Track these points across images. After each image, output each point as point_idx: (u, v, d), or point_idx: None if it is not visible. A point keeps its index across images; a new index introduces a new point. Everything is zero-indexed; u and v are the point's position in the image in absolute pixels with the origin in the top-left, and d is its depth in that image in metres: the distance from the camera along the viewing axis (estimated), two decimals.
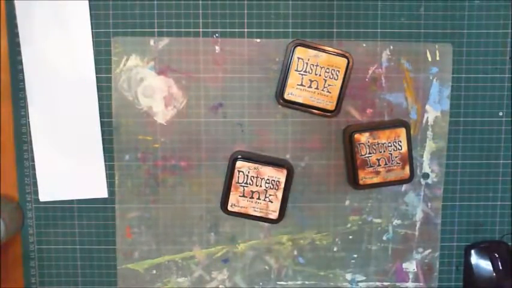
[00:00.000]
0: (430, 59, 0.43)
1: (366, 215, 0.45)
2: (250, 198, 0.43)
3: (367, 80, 0.44)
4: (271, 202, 0.43)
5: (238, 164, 0.42)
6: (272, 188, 0.43)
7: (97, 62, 0.43)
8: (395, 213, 0.45)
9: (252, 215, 0.43)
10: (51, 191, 0.44)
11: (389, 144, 0.42)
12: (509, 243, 0.46)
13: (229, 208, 0.43)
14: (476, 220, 0.46)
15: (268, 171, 0.42)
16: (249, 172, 0.42)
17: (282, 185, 0.43)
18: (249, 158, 0.43)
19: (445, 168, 0.45)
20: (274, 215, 0.43)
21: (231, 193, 0.43)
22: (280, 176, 0.42)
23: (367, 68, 0.43)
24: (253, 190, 0.43)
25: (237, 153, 0.43)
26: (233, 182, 0.43)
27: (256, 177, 0.43)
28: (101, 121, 0.44)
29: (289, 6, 0.43)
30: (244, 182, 0.43)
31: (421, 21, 0.43)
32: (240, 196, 0.43)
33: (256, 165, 0.42)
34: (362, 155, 0.42)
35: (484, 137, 0.45)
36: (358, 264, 0.46)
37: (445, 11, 0.43)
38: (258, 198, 0.43)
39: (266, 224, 0.45)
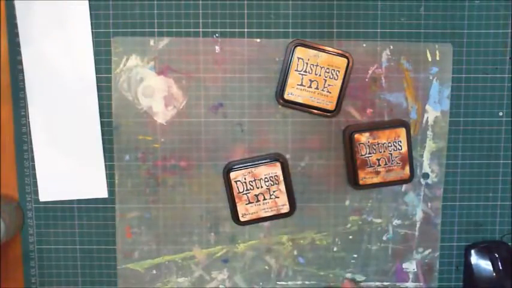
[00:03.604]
0: (430, 59, 0.43)
1: (366, 215, 0.45)
2: (256, 202, 0.43)
3: (367, 80, 0.44)
4: (278, 197, 0.43)
5: (232, 175, 0.42)
6: (273, 184, 0.43)
7: (97, 62, 0.43)
8: (395, 213, 0.45)
9: (266, 217, 0.43)
10: (51, 191, 0.44)
11: (389, 144, 0.42)
12: (509, 243, 0.46)
13: (242, 219, 0.43)
14: (476, 220, 0.46)
15: (263, 170, 0.42)
16: (245, 178, 0.42)
17: (281, 178, 0.43)
18: (240, 165, 0.43)
19: (445, 168, 0.45)
20: (286, 208, 0.43)
21: (237, 205, 0.43)
22: (276, 170, 0.42)
23: (367, 68, 0.43)
24: (256, 193, 0.43)
25: (228, 165, 0.43)
26: (235, 194, 0.43)
27: (254, 180, 0.42)
28: (101, 121, 0.44)
29: (289, 6, 0.43)
30: (245, 189, 0.43)
31: (421, 21, 0.43)
32: (246, 204, 0.43)
33: (249, 170, 0.42)
34: (362, 155, 0.42)
35: (484, 137, 0.45)
36: (358, 264, 0.46)
37: (445, 11, 0.43)
38: (264, 199, 0.43)
39: (266, 224, 0.45)
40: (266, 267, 0.46)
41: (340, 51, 0.42)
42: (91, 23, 0.42)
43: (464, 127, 0.44)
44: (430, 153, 0.45)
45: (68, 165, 0.44)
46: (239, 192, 0.43)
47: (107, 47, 0.43)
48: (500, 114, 0.44)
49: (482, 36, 0.43)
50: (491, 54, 0.44)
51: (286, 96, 0.42)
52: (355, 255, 0.46)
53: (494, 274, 0.45)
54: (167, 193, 0.45)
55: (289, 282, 0.46)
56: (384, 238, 0.46)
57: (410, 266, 0.46)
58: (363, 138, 0.42)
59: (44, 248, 0.45)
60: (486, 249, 0.45)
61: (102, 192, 0.44)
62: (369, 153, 0.42)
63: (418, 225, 0.46)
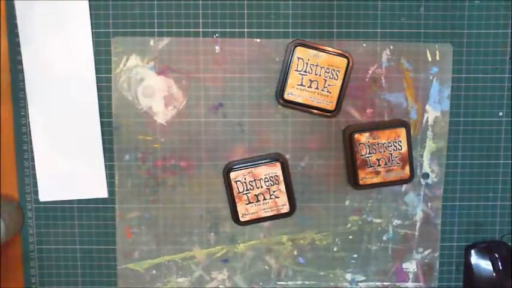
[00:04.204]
0: (430, 59, 0.43)
1: (366, 215, 0.45)
2: (256, 202, 0.43)
3: (367, 80, 0.44)
4: (278, 197, 0.43)
5: (232, 175, 0.42)
6: (273, 184, 0.43)
7: (97, 62, 0.43)
8: (395, 213, 0.45)
9: (266, 217, 0.43)
10: (51, 191, 0.44)
11: (389, 144, 0.42)
12: (509, 243, 0.46)
13: (242, 219, 0.43)
14: (476, 220, 0.46)
15: (263, 170, 0.42)
16: (245, 179, 0.42)
17: (281, 178, 0.43)
18: (240, 165, 0.43)
19: (445, 168, 0.45)
20: (285, 208, 0.43)
21: (237, 205, 0.43)
22: (276, 170, 0.42)
23: (367, 68, 0.43)
24: (256, 193, 0.43)
25: (228, 165, 0.43)
26: (235, 194, 0.43)
27: (254, 180, 0.42)
28: (101, 121, 0.44)
29: (289, 6, 0.43)
30: (245, 189, 0.43)
31: (421, 21, 0.43)
32: (246, 204, 0.43)
33: (249, 170, 0.42)
34: (362, 155, 0.42)
35: (484, 137, 0.45)
36: (358, 264, 0.46)
37: (445, 11, 0.43)
38: (264, 199, 0.43)
39: (266, 224, 0.45)
40: (266, 267, 0.46)
41: (340, 51, 0.42)
42: (91, 23, 0.42)
43: (464, 127, 0.44)
44: (430, 153, 0.45)
45: (68, 165, 0.44)
46: (239, 192, 0.43)
47: (107, 47, 0.43)
48: (500, 114, 0.44)
49: (482, 36, 0.43)
50: (491, 54, 0.44)
51: (286, 96, 0.42)
52: (355, 255, 0.46)
53: (494, 274, 0.45)
54: (167, 193, 0.45)
55: (289, 282, 0.46)
56: (384, 238, 0.46)
57: (410, 266, 0.46)
58: (363, 138, 0.42)
59: (44, 248, 0.45)
60: (486, 249, 0.45)
61: (102, 192, 0.44)
62: (369, 153, 0.42)
63: (418, 225, 0.46)
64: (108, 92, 0.43)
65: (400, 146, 0.42)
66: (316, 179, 0.45)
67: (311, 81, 0.42)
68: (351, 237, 0.46)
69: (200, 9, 0.43)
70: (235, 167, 0.43)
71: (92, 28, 0.43)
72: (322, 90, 0.42)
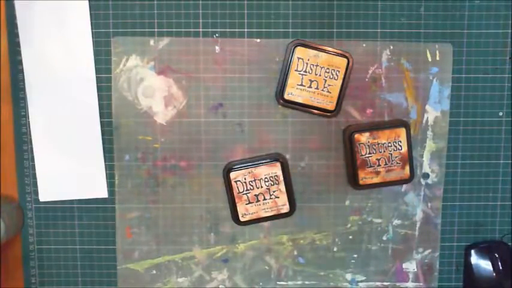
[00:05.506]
0: (430, 59, 0.43)
1: (366, 215, 0.45)
2: (256, 202, 0.43)
3: (367, 80, 0.44)
4: (278, 197, 0.43)
5: (232, 175, 0.42)
6: (273, 184, 0.43)
7: (97, 62, 0.43)
8: (395, 213, 0.45)
9: (266, 217, 0.43)
10: (51, 191, 0.44)
11: (389, 144, 0.42)
12: (509, 243, 0.46)
13: (242, 219, 0.43)
14: (476, 220, 0.46)
15: (263, 170, 0.42)
16: (245, 179, 0.42)
17: (281, 178, 0.43)
18: (240, 165, 0.43)
19: (445, 168, 0.45)
20: (286, 208, 0.43)
21: (237, 205, 0.43)
22: (276, 170, 0.42)
23: (367, 68, 0.43)
24: (256, 193, 0.43)
25: (228, 165, 0.43)
26: (235, 194, 0.43)
27: (254, 180, 0.42)
28: (101, 121, 0.44)
29: (289, 6, 0.43)
30: (245, 189, 0.43)
31: (421, 21, 0.43)
32: (246, 204, 0.43)
33: (249, 170, 0.42)
34: (362, 155, 0.42)
35: (484, 137, 0.45)
36: (358, 264, 0.46)
37: (445, 11, 0.43)
38: (264, 199, 0.43)
39: (266, 224, 0.45)
40: (266, 267, 0.46)
41: (340, 51, 0.42)
42: (91, 23, 0.42)
43: (464, 127, 0.44)
44: (430, 153, 0.45)
45: (68, 165, 0.44)
46: (239, 192, 0.43)
47: (107, 47, 0.43)
48: (500, 114, 0.44)
49: (482, 36, 0.43)
50: (491, 54, 0.44)
51: (286, 96, 0.42)
52: (355, 255, 0.46)
53: (494, 274, 0.45)
54: (167, 193, 0.45)
55: (289, 282, 0.46)
56: (384, 238, 0.46)
57: (410, 266, 0.46)
58: (363, 138, 0.42)
59: (44, 248, 0.45)
60: (486, 249, 0.45)
61: (102, 192, 0.44)
62: (369, 153, 0.42)
63: (418, 225, 0.46)
64: (108, 92, 0.43)
65: (400, 146, 0.42)
66: (316, 179, 0.45)
67: (311, 81, 0.42)
68: (351, 237, 0.46)
69: (200, 9, 0.43)
70: (235, 167, 0.43)
71: (92, 28, 0.43)
72: (322, 90, 0.42)
